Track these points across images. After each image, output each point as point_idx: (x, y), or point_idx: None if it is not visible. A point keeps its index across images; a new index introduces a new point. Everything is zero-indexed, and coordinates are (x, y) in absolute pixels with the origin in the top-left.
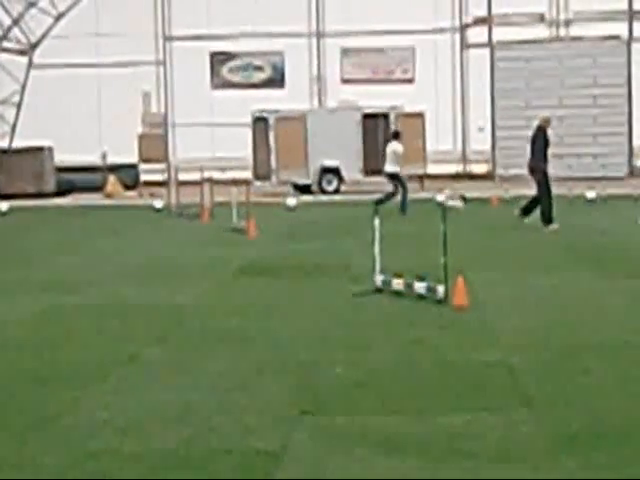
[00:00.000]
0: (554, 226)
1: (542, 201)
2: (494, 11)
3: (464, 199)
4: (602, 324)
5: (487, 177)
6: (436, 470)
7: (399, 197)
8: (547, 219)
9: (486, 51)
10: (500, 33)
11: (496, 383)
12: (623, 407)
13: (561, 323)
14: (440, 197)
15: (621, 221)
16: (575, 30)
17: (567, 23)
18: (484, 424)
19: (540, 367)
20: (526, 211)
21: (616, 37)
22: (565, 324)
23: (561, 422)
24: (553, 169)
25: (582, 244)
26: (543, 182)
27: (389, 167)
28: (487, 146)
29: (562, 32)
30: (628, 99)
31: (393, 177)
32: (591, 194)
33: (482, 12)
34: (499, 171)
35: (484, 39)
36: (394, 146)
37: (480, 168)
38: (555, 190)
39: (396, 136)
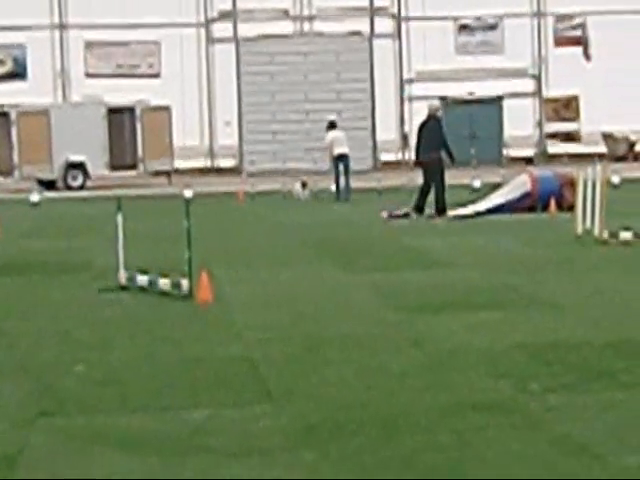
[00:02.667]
0: (444, 218)
1: (435, 191)
2: (239, 6)
3: (304, 185)
4: (344, 317)
5: (234, 172)
6: (177, 467)
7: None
8: (441, 209)
9: (232, 46)
10: (245, 28)
11: (238, 378)
12: (361, 398)
13: (304, 317)
14: (296, 186)
15: (366, 215)
16: (319, 26)
17: (311, 19)
18: (225, 419)
19: (282, 361)
20: (420, 209)
21: (358, 33)
22: (308, 318)
23: (300, 415)
24: (302, 163)
25: (327, 238)
26: (438, 172)
27: (339, 149)
28: (234, 141)
29: (306, 28)
30: (371, 94)
31: (341, 158)
32: (334, 188)
33: (227, 7)
34: (246, 166)
35: (229, 34)
36: (334, 134)
37: (227, 163)
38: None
39: (332, 126)
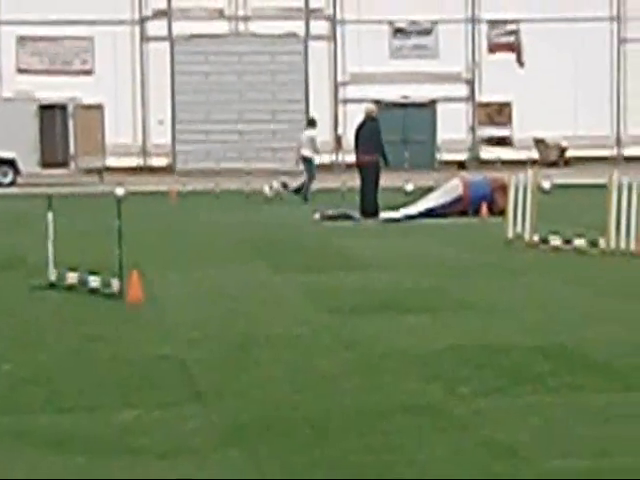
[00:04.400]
0: (378, 219)
1: (368, 194)
2: (174, 5)
3: (284, 186)
4: (276, 318)
5: (167, 170)
6: (105, 467)
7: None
8: (373, 212)
9: (166, 45)
10: (180, 27)
11: (168, 378)
12: (292, 399)
13: (236, 317)
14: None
15: (299, 216)
16: (254, 26)
17: (246, 19)
18: (154, 419)
19: (212, 360)
20: (371, 214)
21: (293, 35)
22: (240, 318)
23: (230, 414)
24: (234, 163)
25: (259, 239)
26: (373, 174)
27: (305, 151)
28: (167, 139)
29: (241, 28)
30: (305, 96)
31: (306, 161)
32: (267, 189)
33: (162, 5)
34: (179, 165)
35: (164, 32)
36: (310, 132)
37: (160, 161)
38: (234, 185)
39: (311, 123)
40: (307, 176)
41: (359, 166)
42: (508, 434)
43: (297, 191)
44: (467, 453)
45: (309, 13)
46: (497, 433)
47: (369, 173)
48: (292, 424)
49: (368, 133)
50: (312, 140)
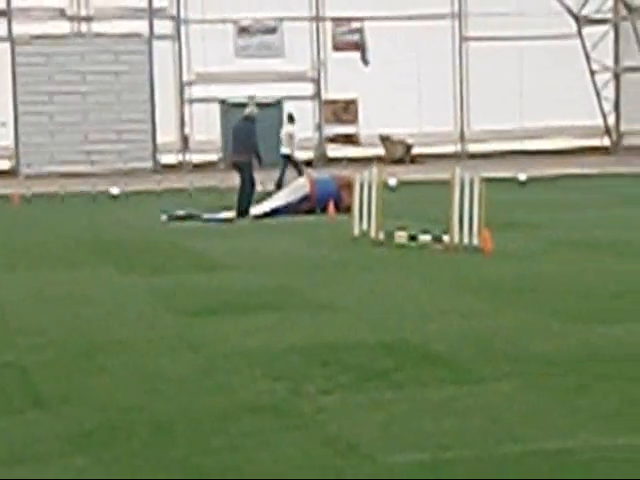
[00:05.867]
0: (247, 219)
1: (242, 193)
2: (14, 4)
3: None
4: (122, 320)
5: (11, 174)
6: None
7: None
8: (244, 211)
9: (6, 45)
10: (21, 28)
11: (9, 385)
12: (137, 402)
13: (81, 321)
14: None
15: (146, 217)
16: (97, 27)
17: (89, 19)
18: None
19: (56, 367)
20: (242, 213)
21: (137, 34)
22: (85, 321)
23: (75, 420)
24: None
25: (106, 240)
26: (248, 175)
27: (283, 149)
28: (10, 142)
29: (84, 28)
30: (151, 96)
31: (286, 158)
32: (115, 190)
33: (1, 5)
34: (23, 168)
35: (4, 33)
36: (288, 129)
37: (3, 165)
38: (80, 187)
39: (290, 119)
40: (281, 172)
41: (234, 166)
42: (352, 431)
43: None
44: (311, 451)
45: (153, 13)
46: (341, 430)
47: (243, 173)
48: (137, 428)
49: (243, 134)
50: (290, 136)
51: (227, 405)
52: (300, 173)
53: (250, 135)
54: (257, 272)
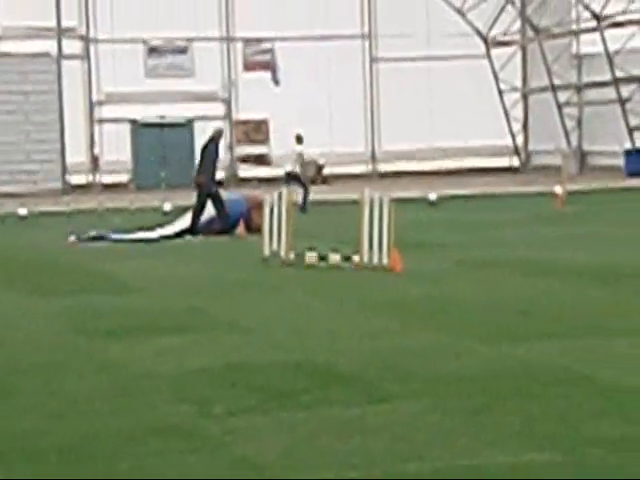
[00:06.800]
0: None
1: (195, 213)
2: None
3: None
4: (28, 343)
5: None
6: None
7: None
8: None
9: None
10: None
11: None
12: (45, 426)
13: None
14: None
15: (54, 238)
16: (4, 46)
17: None
18: None
19: None
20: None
21: (46, 54)
22: None
23: None
24: None
25: (14, 262)
26: (204, 197)
27: (289, 167)
28: None
29: None
30: (60, 116)
31: (294, 177)
32: (23, 211)
33: None
34: None
35: None
36: (296, 148)
37: None
38: None
39: (299, 140)
40: (303, 189)
41: (196, 185)
42: (259, 452)
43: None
44: (218, 472)
45: (61, 32)
46: (248, 451)
47: (201, 193)
48: (41, 452)
49: (208, 154)
50: (300, 155)
51: (134, 427)
52: (306, 191)
53: (210, 156)
54: (167, 293)
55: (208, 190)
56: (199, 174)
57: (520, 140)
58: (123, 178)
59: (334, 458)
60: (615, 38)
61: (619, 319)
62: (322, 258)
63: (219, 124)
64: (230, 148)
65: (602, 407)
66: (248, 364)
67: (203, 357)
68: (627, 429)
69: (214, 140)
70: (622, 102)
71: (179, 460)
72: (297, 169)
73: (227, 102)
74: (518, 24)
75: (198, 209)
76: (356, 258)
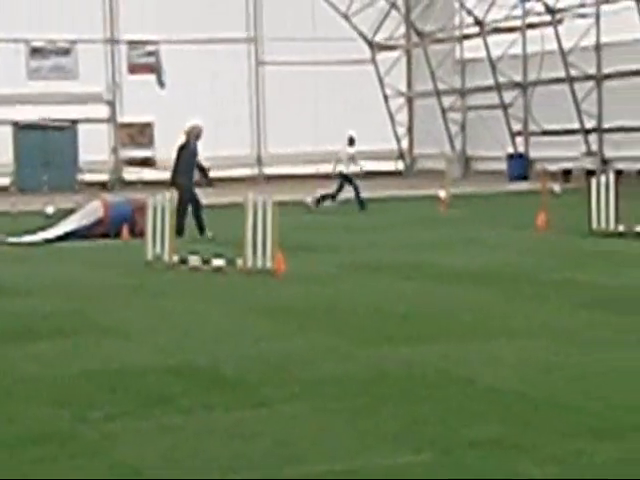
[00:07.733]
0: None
1: (178, 215)
2: None
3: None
4: None
5: None
6: None
7: (342, 196)
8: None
9: None
10: None
11: None
12: None
13: None
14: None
15: None
16: None
17: None
18: None
19: None
20: (200, 229)
21: None
22: None
23: None
24: None
25: None
26: (186, 197)
27: (343, 167)
28: None
29: None
30: None
31: (345, 177)
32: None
33: None
34: None
35: None
36: (348, 150)
37: None
38: None
39: (351, 142)
40: (353, 188)
41: (174, 186)
42: (138, 456)
43: (360, 203)
44: (96, 477)
45: None
46: (127, 456)
47: (182, 194)
48: None
49: (185, 155)
50: (352, 158)
51: (12, 435)
52: (357, 192)
53: (191, 155)
54: (48, 297)
55: (189, 192)
56: (176, 175)
57: (405, 144)
58: (5, 181)
59: (214, 462)
60: (497, 44)
61: (498, 321)
62: (206, 262)
63: (104, 127)
64: (114, 151)
65: (481, 409)
66: (128, 368)
67: (84, 361)
68: (505, 430)
69: (191, 138)
70: (504, 107)
71: (57, 466)
72: (349, 169)
73: (111, 104)
74: (403, 29)
75: (181, 211)
76: (240, 261)
